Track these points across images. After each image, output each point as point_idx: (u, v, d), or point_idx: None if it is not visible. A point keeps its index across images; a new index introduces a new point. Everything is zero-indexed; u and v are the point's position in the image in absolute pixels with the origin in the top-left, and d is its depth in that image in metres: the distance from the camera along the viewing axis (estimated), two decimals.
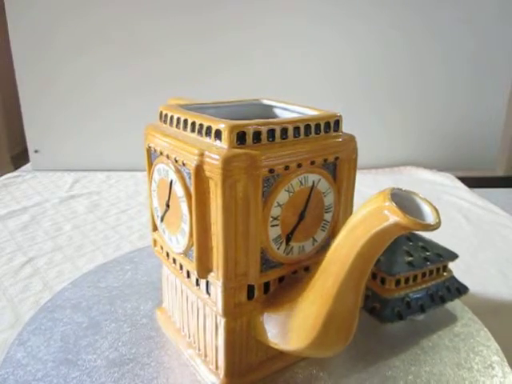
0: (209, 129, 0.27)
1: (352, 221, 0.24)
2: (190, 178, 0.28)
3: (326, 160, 0.29)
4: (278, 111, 0.36)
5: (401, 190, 0.23)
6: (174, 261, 0.33)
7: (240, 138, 0.26)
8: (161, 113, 0.33)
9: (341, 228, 0.32)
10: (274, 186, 0.27)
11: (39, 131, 1.00)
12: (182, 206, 0.29)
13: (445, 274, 0.40)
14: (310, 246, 0.31)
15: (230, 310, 0.29)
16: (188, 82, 0.96)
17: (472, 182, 0.94)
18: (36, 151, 1.00)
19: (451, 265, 0.41)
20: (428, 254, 0.39)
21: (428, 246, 0.41)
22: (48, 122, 1.00)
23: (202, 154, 0.26)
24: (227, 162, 0.25)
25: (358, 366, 0.34)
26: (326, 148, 0.29)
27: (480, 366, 0.34)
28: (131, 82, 0.98)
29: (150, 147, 0.32)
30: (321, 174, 0.29)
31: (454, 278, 0.41)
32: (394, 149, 1.04)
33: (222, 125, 0.26)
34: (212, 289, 0.29)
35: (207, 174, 0.26)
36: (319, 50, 0.98)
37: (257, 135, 0.27)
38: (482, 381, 0.33)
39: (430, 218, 0.22)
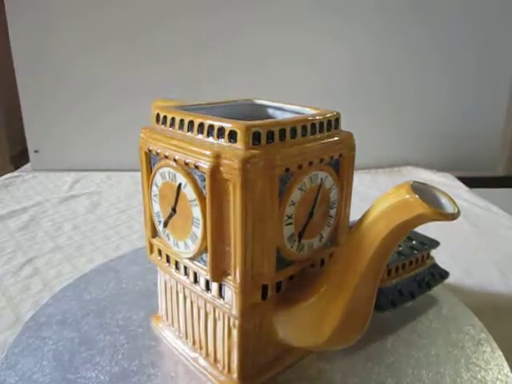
0: (221, 130, 0.27)
1: (372, 215, 0.25)
2: (203, 180, 0.27)
3: (332, 157, 0.30)
4: (270, 111, 0.36)
5: (418, 183, 0.24)
6: (177, 267, 0.33)
7: (255, 138, 0.26)
8: (158, 115, 0.32)
9: (343, 223, 0.33)
10: (288, 185, 0.27)
11: (39, 131, 0.99)
12: (194, 210, 0.28)
13: (428, 261, 0.43)
14: (317, 242, 0.31)
15: (247, 312, 0.29)
16: (189, 83, 0.95)
17: (472, 182, 0.92)
18: (36, 151, 0.99)
19: (451, 262, 0.43)
20: (414, 243, 0.41)
21: (411, 235, 0.43)
22: (48, 122, 0.98)
23: (217, 156, 0.26)
24: (246, 163, 0.25)
25: (362, 356, 0.35)
26: (332, 145, 0.30)
27: (470, 344, 0.37)
28: (131, 82, 0.97)
29: (150, 151, 0.31)
30: (327, 171, 0.30)
31: (436, 264, 0.43)
32: (394, 149, 1.03)
33: (236, 126, 0.26)
34: (226, 292, 0.29)
35: (224, 175, 0.26)
36: (321, 50, 0.97)
37: (270, 135, 0.27)
38: (474, 357, 0.35)
39: (449, 208, 0.23)
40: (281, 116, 0.35)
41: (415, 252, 0.40)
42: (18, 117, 0.99)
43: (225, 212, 0.27)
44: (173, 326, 0.37)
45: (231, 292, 0.28)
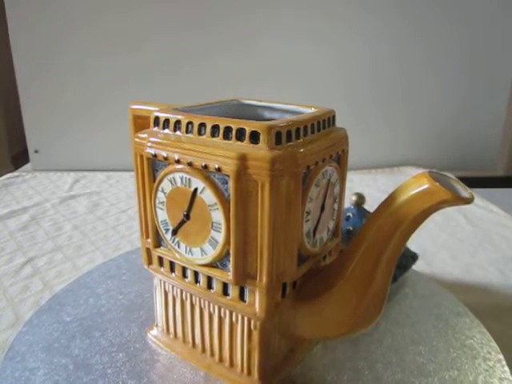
0: (241, 131, 0.26)
1: (392, 205, 0.26)
2: (224, 183, 0.27)
3: (337, 153, 0.31)
4: (258, 110, 0.36)
5: (434, 172, 0.26)
6: (185, 275, 0.32)
7: (277, 138, 0.26)
8: (157, 118, 0.30)
9: (341, 215, 0.34)
10: (307, 182, 0.28)
11: (39, 131, 0.99)
12: (214, 215, 0.27)
13: None
14: (326, 236, 0.32)
15: (271, 312, 0.29)
16: (190, 90, 0.92)
17: (472, 182, 0.88)
18: (36, 151, 0.99)
19: (451, 262, 0.45)
20: None
21: None
22: (48, 122, 0.97)
23: (242, 158, 0.25)
24: (275, 163, 0.25)
25: (363, 340, 0.37)
26: (337, 142, 0.31)
27: (452, 317, 0.40)
28: (132, 82, 0.95)
29: (155, 156, 0.29)
30: (334, 167, 0.31)
31: (407, 247, 0.47)
32: (394, 149, 1.03)
33: (258, 127, 0.26)
34: (248, 294, 0.29)
35: (253, 176, 0.25)
36: (323, 48, 0.97)
37: (289, 134, 0.27)
38: (458, 328, 0.39)
39: (464, 193, 0.25)
40: (269, 115, 0.36)
41: None
42: (18, 117, 0.96)
43: (249, 214, 0.26)
44: (176, 336, 0.35)
45: (255, 293, 0.28)
